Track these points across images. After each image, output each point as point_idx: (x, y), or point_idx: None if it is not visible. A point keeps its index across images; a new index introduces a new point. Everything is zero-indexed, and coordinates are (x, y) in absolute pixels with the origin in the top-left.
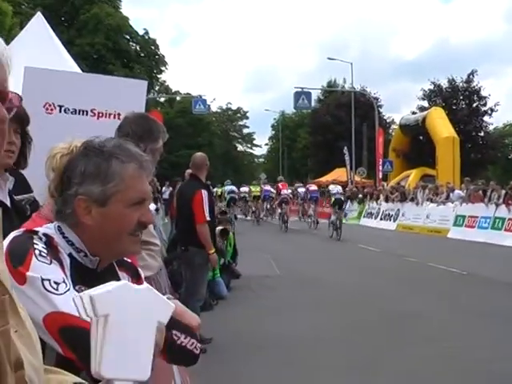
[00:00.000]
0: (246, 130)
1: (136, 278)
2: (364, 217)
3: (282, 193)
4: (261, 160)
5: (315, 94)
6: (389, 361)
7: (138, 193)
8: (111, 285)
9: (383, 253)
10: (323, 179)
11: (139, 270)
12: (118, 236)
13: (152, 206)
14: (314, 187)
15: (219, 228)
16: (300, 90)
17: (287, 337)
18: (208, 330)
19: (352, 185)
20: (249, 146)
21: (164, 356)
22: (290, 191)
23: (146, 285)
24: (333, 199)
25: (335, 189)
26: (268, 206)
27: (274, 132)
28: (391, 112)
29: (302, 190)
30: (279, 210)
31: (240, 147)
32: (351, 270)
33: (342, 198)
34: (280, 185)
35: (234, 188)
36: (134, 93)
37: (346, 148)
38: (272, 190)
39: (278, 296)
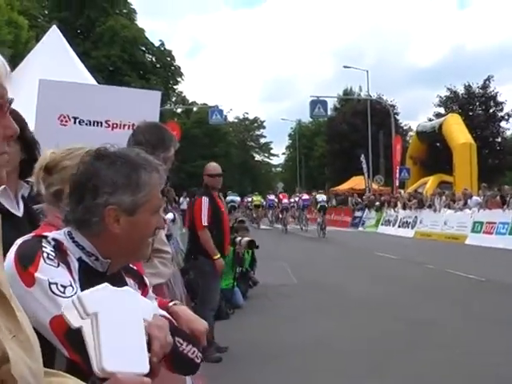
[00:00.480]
0: (263, 140)
1: (142, 285)
2: (382, 224)
3: (282, 202)
4: (278, 169)
5: (331, 103)
6: (397, 365)
7: (159, 200)
8: (96, 287)
9: (401, 260)
10: (341, 187)
11: (145, 277)
12: (141, 242)
13: (170, 216)
14: (305, 196)
15: (247, 239)
16: (316, 98)
17: (302, 345)
18: (224, 338)
19: (369, 192)
20: (266, 155)
21: (167, 362)
22: (291, 200)
23: (127, 287)
24: (318, 206)
25: (321, 197)
26: (270, 213)
27: (290, 141)
28: (408, 119)
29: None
30: (281, 216)
31: (257, 157)
32: (368, 278)
33: (326, 205)
34: (281, 195)
35: (234, 198)
36: (149, 103)
37: (362, 156)
38: (275, 199)
39: (295, 304)
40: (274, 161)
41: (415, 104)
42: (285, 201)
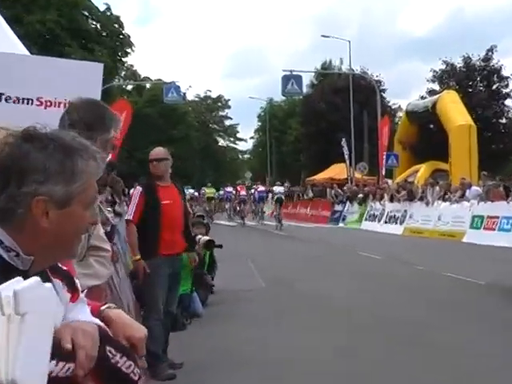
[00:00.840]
0: (227, 122)
1: (71, 288)
2: (366, 220)
3: (240, 194)
4: (246, 156)
5: (307, 78)
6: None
7: (95, 192)
8: (25, 282)
9: (387, 260)
10: (318, 177)
11: (76, 279)
12: (72, 239)
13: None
14: (261, 188)
15: (205, 238)
16: (289, 73)
17: (272, 358)
18: (179, 352)
19: (352, 183)
20: (232, 139)
21: (95, 377)
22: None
23: (49, 284)
24: (275, 198)
25: (277, 189)
26: (228, 206)
27: (260, 123)
28: (397, 97)
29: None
30: (238, 209)
31: (221, 141)
32: (348, 281)
33: (283, 197)
34: (238, 187)
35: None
36: (88, 78)
37: (344, 140)
38: (233, 191)
39: (263, 311)
40: (241, 146)
41: (405, 79)
42: (242, 193)
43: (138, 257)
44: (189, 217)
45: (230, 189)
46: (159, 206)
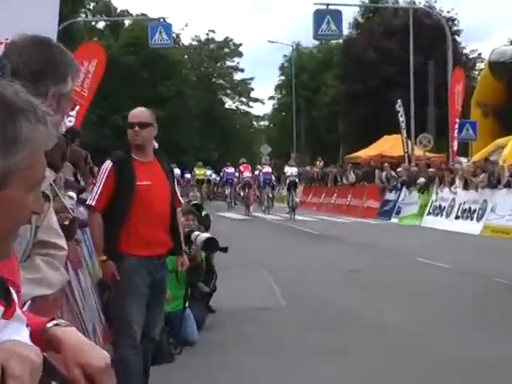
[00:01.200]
0: (238, 75)
1: (3, 298)
2: (429, 214)
3: (244, 176)
4: (263, 123)
5: (349, 15)
6: None
7: (43, 168)
8: None
9: (458, 271)
10: (363, 154)
11: (10, 287)
12: (6, 232)
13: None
14: (267, 169)
15: (204, 236)
16: (324, 7)
17: None
18: None
19: (410, 163)
20: (243, 100)
21: None
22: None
23: None
24: (287, 181)
25: (290, 170)
26: (229, 191)
27: (283, 78)
28: (476, 41)
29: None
30: (242, 194)
31: (229, 103)
32: (402, 301)
33: (296, 180)
34: (242, 167)
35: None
36: (40, 11)
37: (399, 102)
38: (236, 173)
39: (281, 340)
40: (257, 109)
41: (488, 17)
42: (246, 174)
43: (105, 257)
44: (179, 207)
45: (230, 170)
46: (133, 187)
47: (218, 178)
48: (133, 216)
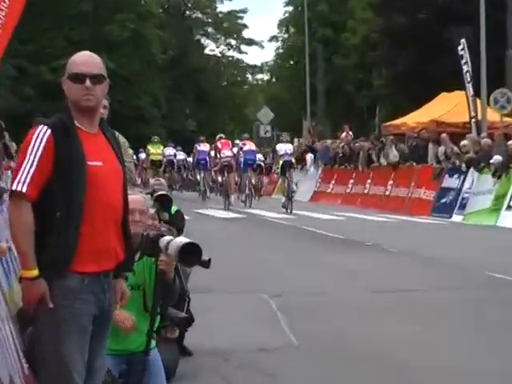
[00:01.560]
0: (224, 6)
1: None
2: (509, 208)
3: (222, 154)
4: (261, 77)
5: None
6: None
7: None
8: None
9: None
10: (410, 119)
11: None
12: None
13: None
14: (250, 146)
15: (178, 242)
16: None
17: None
18: None
19: (479, 133)
20: (232, 43)
21: None
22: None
23: None
24: (280, 162)
25: (283, 148)
26: (202, 176)
27: (290, 9)
28: None
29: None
30: (220, 180)
31: (211, 46)
32: (467, 334)
33: (292, 160)
34: (219, 143)
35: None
36: None
37: (463, 43)
38: (211, 151)
39: None
40: (252, 56)
41: None
42: (226, 152)
43: (35, 272)
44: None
45: (204, 147)
46: (83, 168)
47: (190, 159)
48: (86, 211)
